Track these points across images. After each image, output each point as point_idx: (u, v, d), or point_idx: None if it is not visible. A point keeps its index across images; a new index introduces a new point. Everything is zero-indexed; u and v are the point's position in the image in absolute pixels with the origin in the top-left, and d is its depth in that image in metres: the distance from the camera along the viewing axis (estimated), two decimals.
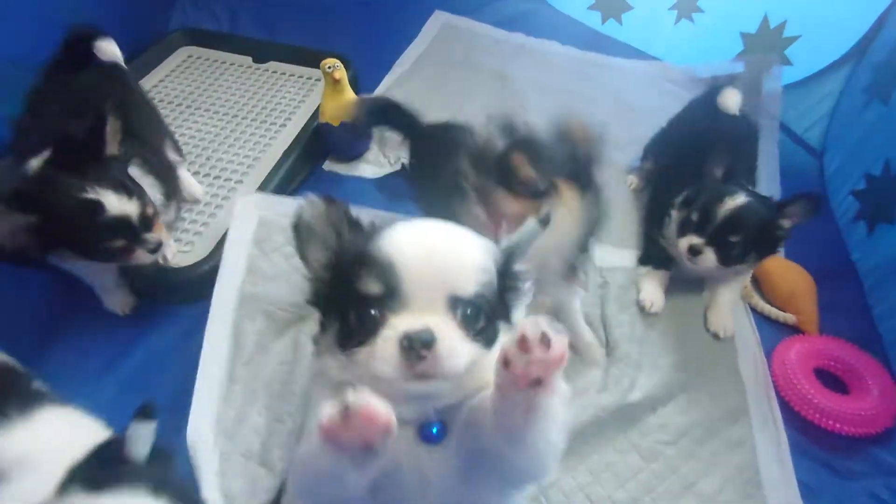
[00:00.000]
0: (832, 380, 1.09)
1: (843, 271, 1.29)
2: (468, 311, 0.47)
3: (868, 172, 1.30)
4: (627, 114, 1.70)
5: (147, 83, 1.60)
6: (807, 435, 1.00)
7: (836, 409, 1.01)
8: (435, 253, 0.48)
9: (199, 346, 1.04)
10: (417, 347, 0.43)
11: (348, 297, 0.48)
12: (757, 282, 1.24)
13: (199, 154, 1.41)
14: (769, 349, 1.11)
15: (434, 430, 0.50)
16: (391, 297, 0.46)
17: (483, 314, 0.48)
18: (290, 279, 1.10)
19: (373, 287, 0.46)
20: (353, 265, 0.49)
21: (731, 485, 0.92)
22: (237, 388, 0.97)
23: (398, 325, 0.45)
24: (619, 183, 1.46)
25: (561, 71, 1.85)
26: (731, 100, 1.29)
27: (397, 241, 0.48)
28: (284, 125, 1.51)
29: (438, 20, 2.00)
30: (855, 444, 0.99)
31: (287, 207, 1.19)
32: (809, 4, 1.56)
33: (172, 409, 0.94)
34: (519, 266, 0.53)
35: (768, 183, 1.50)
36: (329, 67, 1.30)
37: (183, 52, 1.73)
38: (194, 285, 1.12)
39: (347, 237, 0.53)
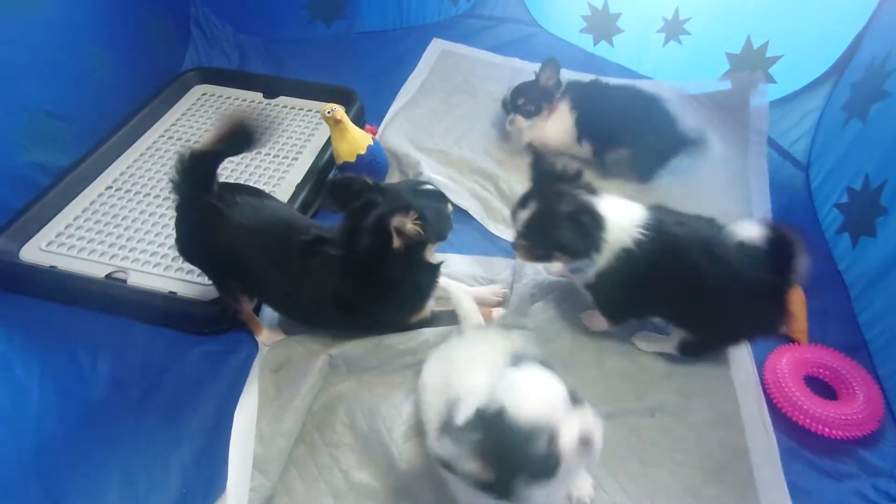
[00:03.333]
0: (821, 386, 1.16)
1: (830, 281, 1.35)
2: None
3: (850, 186, 1.37)
4: None
5: (165, 122, 1.70)
6: (797, 439, 1.07)
7: (824, 414, 1.07)
8: None
9: (226, 372, 1.13)
10: None
11: None
12: None
13: None
14: (761, 358, 1.18)
15: None
16: None
17: None
18: None
19: None
20: None
21: (728, 487, 0.99)
22: (254, 403, 1.07)
23: None
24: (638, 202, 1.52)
25: None
26: None
27: None
28: (297, 158, 1.60)
29: (437, 48, 2.10)
30: (843, 447, 1.06)
31: None
32: (789, 26, 1.64)
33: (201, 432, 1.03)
34: None
35: (759, 196, 1.58)
36: (328, 112, 1.37)
37: (197, 91, 1.82)
38: (220, 318, 1.20)
39: None
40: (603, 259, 1.03)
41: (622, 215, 1.03)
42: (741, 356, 1.18)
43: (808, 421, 1.08)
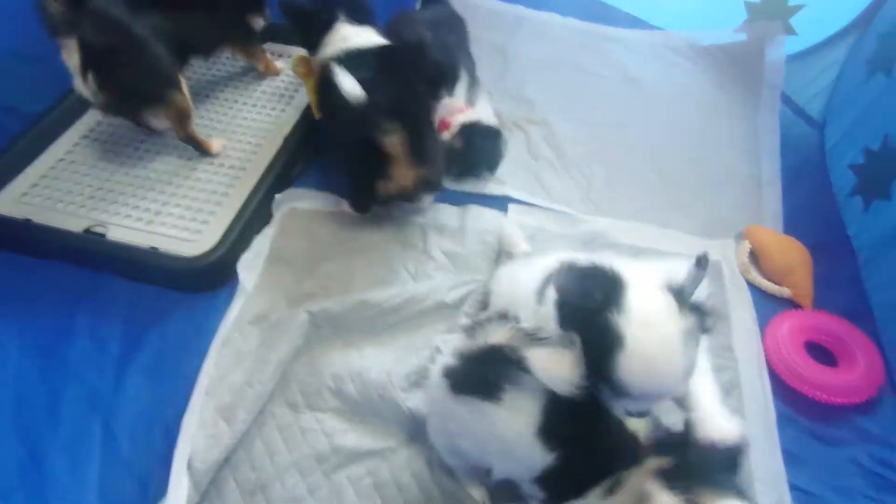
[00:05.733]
0: (823, 353, 1.13)
1: (839, 245, 1.31)
2: None
3: (867, 147, 1.30)
4: (631, 87, 1.69)
5: None
6: (793, 406, 1.04)
7: (823, 380, 1.05)
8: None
9: (212, 330, 1.10)
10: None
11: None
12: (754, 256, 1.26)
13: None
14: (763, 323, 1.15)
15: None
16: None
17: None
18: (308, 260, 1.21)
19: None
20: None
21: None
22: (227, 351, 1.05)
23: None
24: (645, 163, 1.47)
25: (563, 43, 1.82)
26: None
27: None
28: (284, 110, 1.51)
29: None
30: (840, 414, 1.04)
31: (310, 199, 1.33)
32: None
33: (185, 391, 1.00)
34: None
35: (768, 155, 1.51)
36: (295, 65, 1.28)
37: None
38: (204, 275, 1.16)
39: None
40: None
41: (347, 36, 1.23)
42: (745, 321, 1.15)
43: (805, 387, 1.05)
